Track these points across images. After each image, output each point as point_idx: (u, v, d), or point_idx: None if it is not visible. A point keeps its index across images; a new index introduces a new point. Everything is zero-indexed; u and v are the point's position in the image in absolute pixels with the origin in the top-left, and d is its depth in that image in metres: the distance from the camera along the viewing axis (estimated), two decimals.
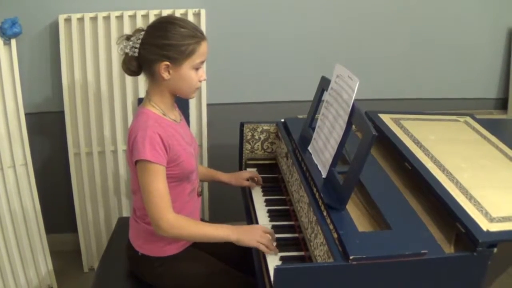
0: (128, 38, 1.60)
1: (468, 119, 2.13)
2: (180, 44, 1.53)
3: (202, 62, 1.61)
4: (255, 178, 2.04)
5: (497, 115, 2.84)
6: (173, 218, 1.54)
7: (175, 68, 1.56)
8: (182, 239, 1.67)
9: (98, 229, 2.61)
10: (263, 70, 2.62)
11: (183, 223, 1.57)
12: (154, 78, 1.60)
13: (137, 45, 1.56)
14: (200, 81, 1.63)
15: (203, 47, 1.58)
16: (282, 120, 2.13)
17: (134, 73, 1.63)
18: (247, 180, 2.03)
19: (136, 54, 1.57)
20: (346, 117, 1.52)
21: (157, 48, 1.53)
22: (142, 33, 1.57)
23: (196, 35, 1.56)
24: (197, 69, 1.60)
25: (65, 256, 2.70)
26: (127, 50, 1.58)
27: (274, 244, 1.62)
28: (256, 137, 2.17)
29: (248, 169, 2.16)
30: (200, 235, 1.60)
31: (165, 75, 1.56)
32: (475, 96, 2.89)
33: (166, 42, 1.53)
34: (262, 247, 1.57)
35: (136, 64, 1.59)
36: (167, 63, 1.54)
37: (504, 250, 1.34)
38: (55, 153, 2.59)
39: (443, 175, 1.60)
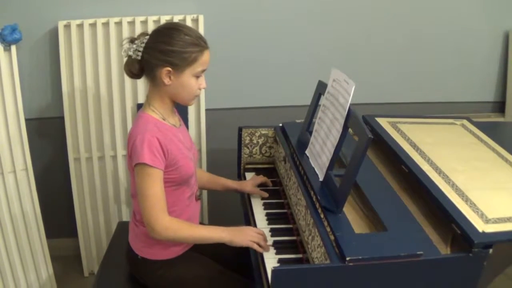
0: (132, 41, 1.62)
1: (465, 122, 2.15)
2: (183, 51, 1.55)
3: (203, 71, 1.63)
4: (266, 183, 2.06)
5: (495, 118, 2.84)
6: (167, 221, 1.56)
7: (176, 75, 1.58)
8: (176, 241, 1.68)
9: (98, 233, 2.62)
10: (261, 75, 2.63)
11: (177, 225, 1.59)
12: (155, 83, 1.62)
13: (141, 49, 1.59)
14: (199, 89, 1.65)
15: (206, 56, 1.61)
16: (280, 124, 2.15)
17: (135, 76, 1.65)
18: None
19: (139, 58, 1.59)
20: (342, 121, 1.54)
21: (160, 53, 1.55)
22: (147, 37, 1.60)
23: (200, 44, 1.59)
24: (197, 77, 1.62)
25: (65, 260, 2.71)
26: (130, 53, 1.61)
27: (269, 243, 1.65)
28: (254, 141, 2.18)
29: (246, 174, 2.17)
30: (194, 237, 1.63)
31: (166, 80, 1.58)
32: (472, 100, 2.89)
33: (170, 48, 1.55)
34: (255, 246, 1.60)
35: (138, 67, 1.62)
36: (169, 68, 1.56)
37: (500, 251, 1.35)
38: (55, 158, 2.60)
39: (439, 178, 1.61)
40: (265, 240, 1.65)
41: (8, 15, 2.28)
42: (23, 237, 2.36)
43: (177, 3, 2.41)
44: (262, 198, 1.98)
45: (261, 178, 2.05)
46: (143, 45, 1.58)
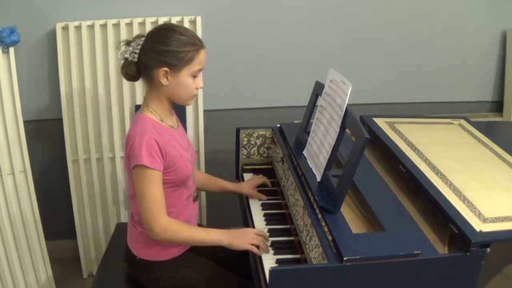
0: (128, 43, 1.63)
1: (463, 122, 2.15)
2: (179, 51, 1.56)
3: (200, 70, 1.63)
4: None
5: (493, 118, 2.85)
6: (166, 222, 1.56)
7: (174, 75, 1.58)
8: (175, 243, 1.68)
9: (97, 235, 2.62)
10: (258, 76, 2.63)
11: (175, 227, 1.59)
12: (152, 84, 1.62)
13: (137, 51, 1.59)
14: (197, 89, 1.65)
15: (202, 55, 1.61)
16: (278, 125, 2.15)
17: (132, 78, 1.65)
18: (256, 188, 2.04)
19: (136, 60, 1.60)
20: (339, 121, 1.54)
21: (157, 54, 1.56)
22: (142, 39, 1.60)
23: (195, 43, 1.59)
24: (194, 76, 1.62)
25: (64, 262, 2.71)
26: (126, 55, 1.61)
27: (268, 243, 1.65)
28: (252, 142, 2.19)
29: (244, 174, 2.17)
30: (193, 239, 1.63)
31: (164, 81, 1.58)
32: (470, 100, 2.90)
33: (166, 49, 1.55)
34: (255, 249, 1.60)
35: (135, 69, 1.62)
36: (166, 69, 1.56)
37: (498, 250, 1.36)
38: (53, 160, 2.60)
39: (437, 177, 1.62)
40: (266, 240, 1.64)
41: (6, 17, 2.28)
42: (22, 239, 2.36)
43: (174, 5, 2.42)
44: (260, 199, 1.98)
45: (259, 180, 2.05)
46: (139, 47, 1.59)
